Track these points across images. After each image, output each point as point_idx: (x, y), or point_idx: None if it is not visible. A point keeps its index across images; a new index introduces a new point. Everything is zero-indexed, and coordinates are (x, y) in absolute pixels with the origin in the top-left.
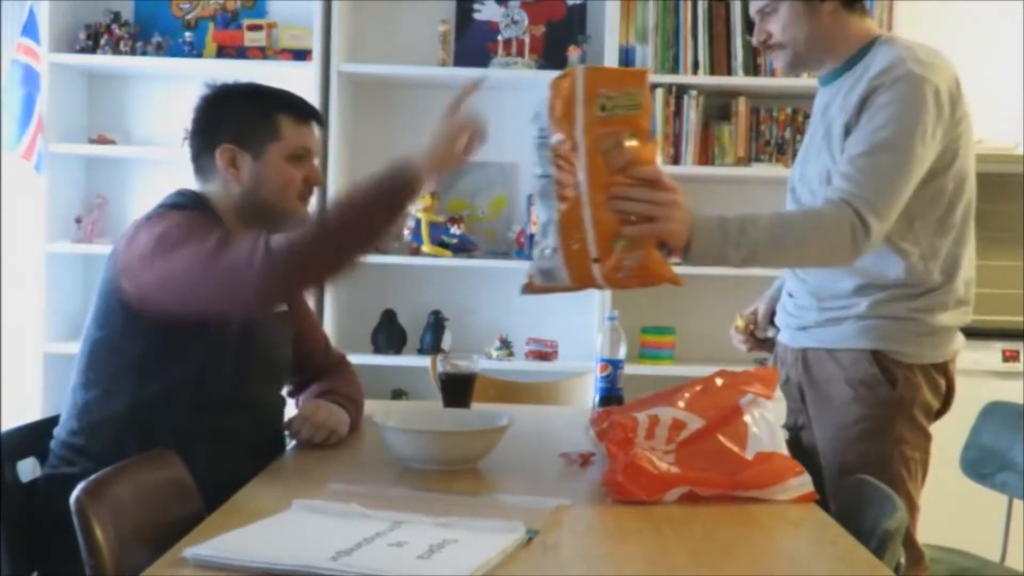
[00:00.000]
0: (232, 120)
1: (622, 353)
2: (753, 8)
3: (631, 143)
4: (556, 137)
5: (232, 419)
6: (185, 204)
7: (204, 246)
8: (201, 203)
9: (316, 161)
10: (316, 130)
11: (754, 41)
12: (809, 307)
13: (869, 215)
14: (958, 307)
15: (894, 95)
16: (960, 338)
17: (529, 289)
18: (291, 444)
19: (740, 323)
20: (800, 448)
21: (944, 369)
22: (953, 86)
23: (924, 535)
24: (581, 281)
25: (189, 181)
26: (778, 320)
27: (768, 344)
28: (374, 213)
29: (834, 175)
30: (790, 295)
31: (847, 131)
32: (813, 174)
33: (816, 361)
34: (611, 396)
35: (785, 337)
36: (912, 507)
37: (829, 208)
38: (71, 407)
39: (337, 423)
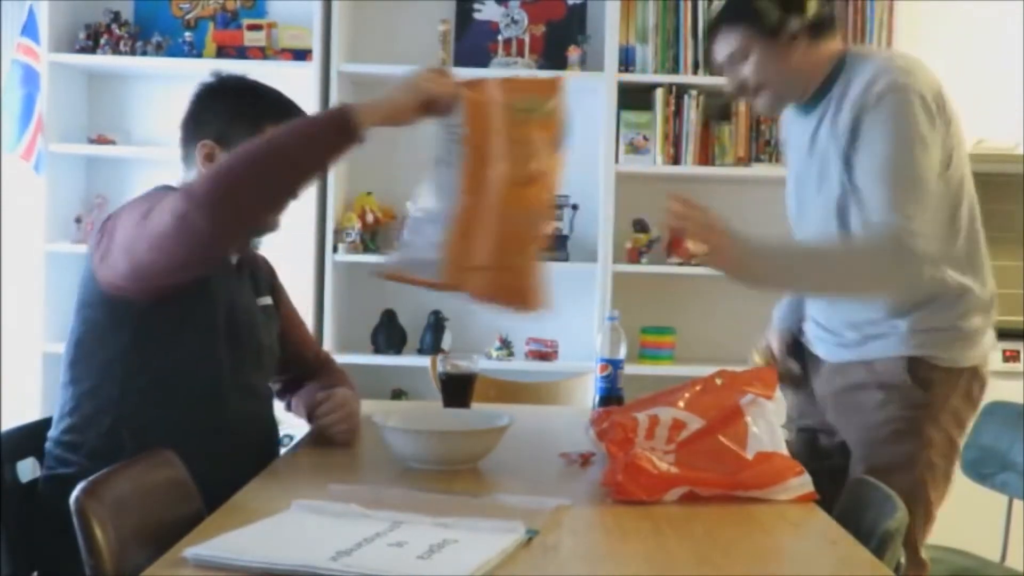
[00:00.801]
0: (218, 117)
1: (622, 353)
2: (719, 56)
3: (541, 151)
4: (467, 131)
5: (226, 410)
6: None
7: (139, 210)
8: None
9: None
10: None
11: (728, 89)
12: (846, 330)
13: (910, 237)
14: (987, 308)
15: (884, 112)
16: (990, 338)
17: (388, 275)
18: (287, 439)
19: (759, 359)
20: (815, 448)
21: (977, 372)
22: (937, 90)
23: None
24: (452, 284)
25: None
26: (812, 335)
27: (793, 379)
28: (302, 144)
29: (855, 208)
30: (817, 323)
31: (846, 159)
32: (818, 208)
33: (852, 370)
34: (611, 396)
35: (822, 351)
36: (928, 515)
37: (872, 240)
38: (61, 405)
39: (358, 415)
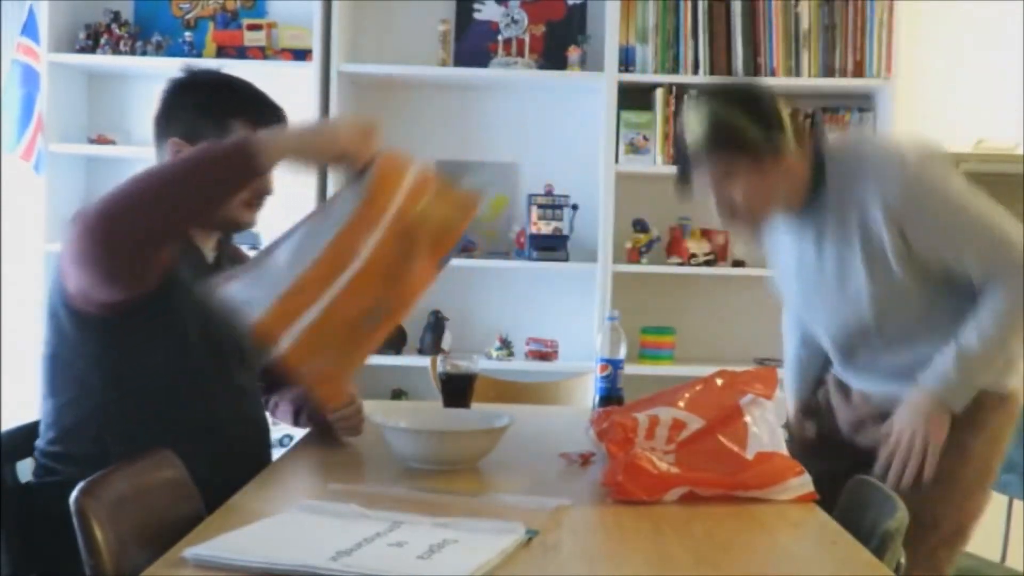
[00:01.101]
0: (186, 115)
1: (622, 353)
2: (701, 178)
3: (422, 258)
4: (363, 202)
5: (214, 411)
6: None
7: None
8: None
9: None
10: None
11: (717, 213)
12: (890, 383)
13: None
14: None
15: (921, 188)
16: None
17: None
18: (287, 440)
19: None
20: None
21: (1018, 397)
22: (933, 148)
23: None
24: (261, 335)
25: None
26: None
27: (807, 441)
28: (201, 171)
29: (969, 267)
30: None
31: (898, 254)
32: (848, 301)
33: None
34: (611, 396)
35: (873, 387)
36: (959, 534)
37: (996, 292)
38: (44, 416)
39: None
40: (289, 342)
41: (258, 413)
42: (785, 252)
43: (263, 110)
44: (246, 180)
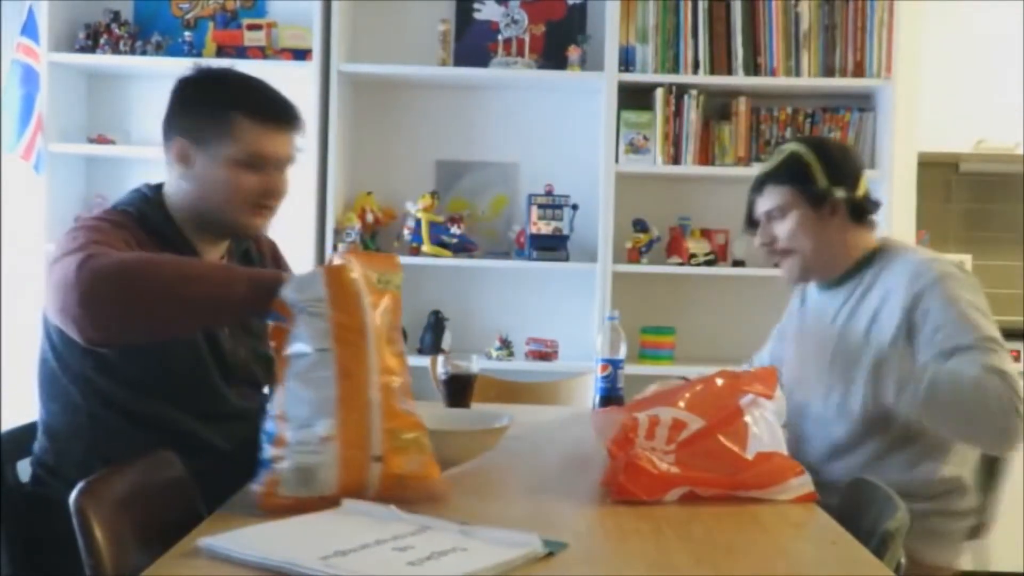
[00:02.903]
0: (188, 111)
1: (622, 353)
2: (759, 209)
3: (398, 324)
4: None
5: (207, 435)
6: (120, 204)
7: (59, 257)
8: (146, 202)
9: (285, 172)
10: (288, 136)
11: (757, 242)
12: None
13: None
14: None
15: (942, 297)
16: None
17: (266, 503)
18: None
19: None
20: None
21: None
22: (968, 274)
23: None
24: (348, 486)
25: None
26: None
27: None
28: (209, 280)
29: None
30: None
31: (896, 342)
32: (825, 376)
33: None
34: (611, 396)
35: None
36: None
37: (987, 377)
38: (39, 422)
39: None
40: (375, 476)
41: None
42: (802, 317)
43: (263, 102)
44: (237, 306)
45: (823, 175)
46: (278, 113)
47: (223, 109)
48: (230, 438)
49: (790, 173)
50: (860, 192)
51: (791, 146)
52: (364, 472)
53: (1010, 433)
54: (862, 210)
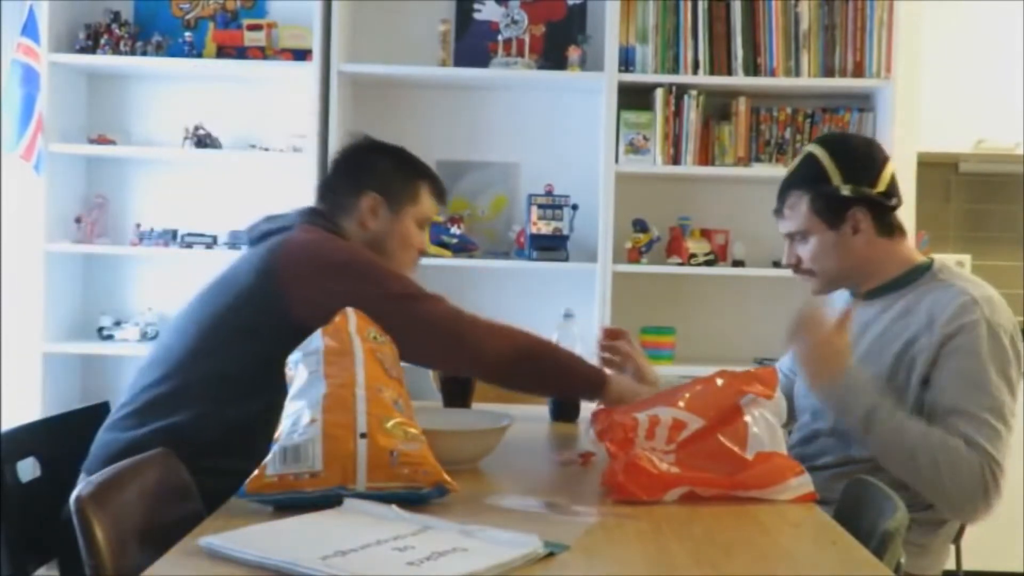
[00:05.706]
0: (382, 173)
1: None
2: (783, 229)
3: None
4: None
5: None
6: (337, 233)
7: (389, 285)
8: (340, 234)
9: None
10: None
11: (783, 261)
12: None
13: (999, 475)
14: None
15: (972, 345)
16: None
17: (251, 485)
18: None
19: None
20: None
21: None
22: (1017, 326)
23: None
24: (335, 460)
25: (190, 182)
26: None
27: None
28: (564, 377)
29: (945, 417)
30: None
31: (923, 377)
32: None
33: None
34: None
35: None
36: None
37: (966, 450)
38: (178, 372)
39: None
40: (363, 452)
41: None
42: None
43: (439, 180)
44: (580, 398)
45: (838, 174)
46: (444, 190)
47: (413, 179)
48: None
49: (803, 176)
50: (879, 188)
51: (808, 147)
52: (350, 445)
53: (968, 511)
54: (886, 218)
